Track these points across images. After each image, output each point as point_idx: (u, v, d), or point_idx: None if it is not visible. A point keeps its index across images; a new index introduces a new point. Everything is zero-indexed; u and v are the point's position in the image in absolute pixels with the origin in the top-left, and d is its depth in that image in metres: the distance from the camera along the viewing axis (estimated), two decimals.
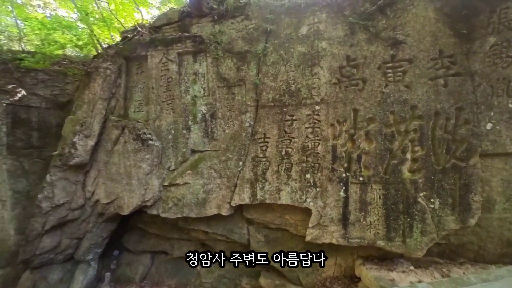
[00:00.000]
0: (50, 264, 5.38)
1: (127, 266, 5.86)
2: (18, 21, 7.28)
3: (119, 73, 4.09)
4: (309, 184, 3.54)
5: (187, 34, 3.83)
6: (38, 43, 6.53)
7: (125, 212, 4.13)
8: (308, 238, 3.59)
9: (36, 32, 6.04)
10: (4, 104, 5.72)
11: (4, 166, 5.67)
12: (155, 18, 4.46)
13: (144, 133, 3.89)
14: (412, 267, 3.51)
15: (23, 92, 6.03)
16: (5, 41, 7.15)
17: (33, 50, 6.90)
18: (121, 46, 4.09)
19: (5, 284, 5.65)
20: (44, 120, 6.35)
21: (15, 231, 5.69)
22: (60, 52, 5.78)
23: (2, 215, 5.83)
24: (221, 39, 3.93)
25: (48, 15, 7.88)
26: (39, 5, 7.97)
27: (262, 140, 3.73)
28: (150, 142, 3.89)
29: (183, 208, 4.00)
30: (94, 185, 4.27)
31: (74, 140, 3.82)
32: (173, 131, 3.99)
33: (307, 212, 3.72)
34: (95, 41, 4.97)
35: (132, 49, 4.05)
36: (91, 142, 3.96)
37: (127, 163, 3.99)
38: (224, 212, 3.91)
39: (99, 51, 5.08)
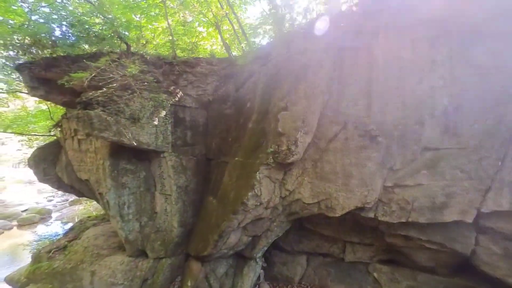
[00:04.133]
0: (218, 259, 5.51)
1: (283, 265, 5.77)
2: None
3: (333, 65, 3.84)
4: None
5: (427, 18, 3.39)
6: (185, 46, 6.82)
7: (337, 213, 3.89)
8: None
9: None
10: (169, 105, 6.01)
11: (169, 162, 5.98)
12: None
13: (373, 129, 3.57)
14: None
15: (181, 93, 6.29)
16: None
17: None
18: (332, 37, 3.82)
19: (172, 272, 5.99)
20: (194, 119, 6.60)
21: (178, 224, 5.98)
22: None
23: (165, 208, 6.18)
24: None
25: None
26: None
27: None
28: (379, 139, 3.56)
29: (410, 212, 3.60)
30: (295, 184, 4.12)
31: (297, 136, 3.66)
32: (400, 127, 3.61)
33: None
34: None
35: (350, 39, 3.76)
36: (308, 139, 3.78)
37: (346, 161, 3.73)
38: (469, 218, 3.41)
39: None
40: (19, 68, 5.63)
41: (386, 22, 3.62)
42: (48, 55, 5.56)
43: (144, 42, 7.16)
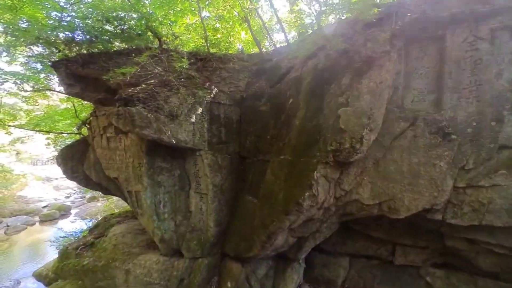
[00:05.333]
0: (259, 260, 5.38)
1: (324, 267, 5.60)
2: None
3: (398, 58, 3.62)
4: None
5: (508, 6, 3.14)
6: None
7: (401, 215, 3.69)
8: None
9: None
10: (205, 101, 5.84)
11: (205, 161, 5.83)
12: None
13: (445, 125, 3.35)
14: None
15: (216, 89, 6.12)
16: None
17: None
18: (397, 28, 3.59)
19: (208, 272, 5.88)
20: (228, 116, 6.42)
21: (214, 223, 5.85)
22: None
23: (200, 207, 6.05)
24: None
25: None
26: None
27: None
28: (453, 136, 3.34)
29: (485, 214, 3.38)
30: (353, 183, 3.93)
31: (362, 134, 3.46)
32: (474, 124, 3.38)
33: None
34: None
35: (419, 29, 3.53)
36: (373, 137, 3.58)
37: (414, 160, 3.52)
38: None
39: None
40: (55, 65, 5.53)
41: (461, 11, 3.37)
42: (85, 52, 5.45)
43: (173, 38, 7.01)
